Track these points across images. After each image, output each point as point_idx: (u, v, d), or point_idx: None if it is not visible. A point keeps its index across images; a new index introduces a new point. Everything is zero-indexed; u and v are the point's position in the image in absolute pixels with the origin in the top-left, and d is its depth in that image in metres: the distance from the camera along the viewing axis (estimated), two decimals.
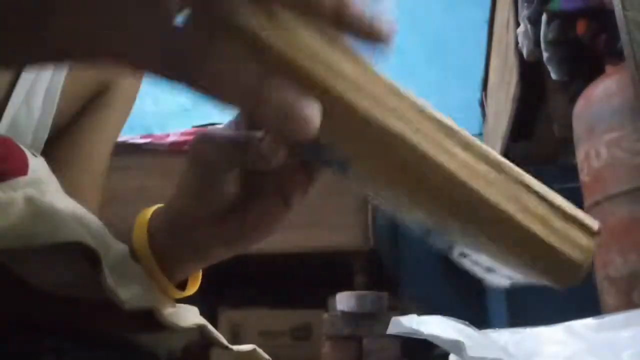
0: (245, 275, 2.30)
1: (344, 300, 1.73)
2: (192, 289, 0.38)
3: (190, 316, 0.36)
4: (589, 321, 0.50)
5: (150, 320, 0.33)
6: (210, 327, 0.37)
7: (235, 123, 0.34)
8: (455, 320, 0.46)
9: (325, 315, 1.76)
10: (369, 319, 1.71)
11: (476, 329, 0.46)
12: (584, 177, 1.22)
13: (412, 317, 0.47)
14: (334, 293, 1.77)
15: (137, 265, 0.34)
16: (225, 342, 0.37)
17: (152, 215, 0.37)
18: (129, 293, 0.31)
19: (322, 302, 1.84)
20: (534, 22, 1.51)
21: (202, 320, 0.37)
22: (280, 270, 2.23)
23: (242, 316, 1.97)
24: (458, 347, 0.43)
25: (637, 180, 1.10)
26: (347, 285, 1.83)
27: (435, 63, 3.02)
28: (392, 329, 0.48)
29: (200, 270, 0.39)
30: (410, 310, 0.66)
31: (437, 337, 0.44)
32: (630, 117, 1.11)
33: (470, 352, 0.42)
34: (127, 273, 0.33)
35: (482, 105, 2.66)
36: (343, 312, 1.72)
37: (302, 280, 2.15)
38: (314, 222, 1.87)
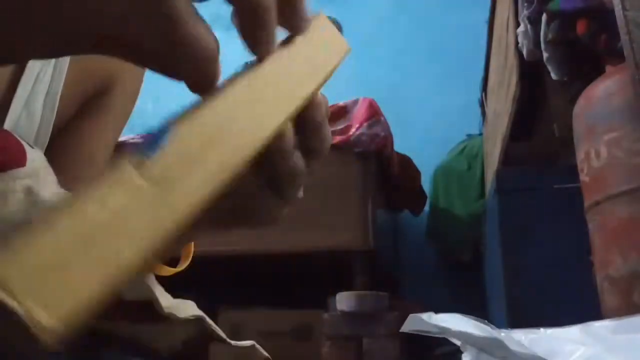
0: (245, 275, 2.30)
1: (344, 300, 1.73)
2: (184, 264, 0.36)
3: (188, 309, 0.36)
4: (606, 323, 0.49)
5: (150, 311, 0.33)
6: (208, 319, 0.37)
7: None
8: (474, 319, 0.45)
9: (326, 315, 1.76)
10: (369, 319, 1.71)
11: (495, 328, 0.45)
12: (584, 177, 1.22)
13: (431, 315, 0.44)
14: (334, 293, 1.77)
15: None
16: (223, 335, 0.37)
17: None
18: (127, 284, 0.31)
19: (322, 302, 1.83)
20: (534, 22, 1.51)
21: (200, 312, 0.37)
22: (280, 270, 2.23)
23: (242, 316, 1.97)
24: (497, 344, 0.40)
25: (637, 180, 1.10)
26: (347, 285, 1.83)
27: (435, 63, 3.02)
28: (408, 327, 0.45)
29: (192, 246, 0.37)
30: (410, 310, 0.65)
31: (470, 335, 0.41)
32: (630, 117, 1.11)
33: (515, 348, 0.39)
34: None
35: (482, 105, 2.66)
36: (343, 312, 1.72)
37: (302, 280, 2.15)
38: (314, 222, 1.88)
